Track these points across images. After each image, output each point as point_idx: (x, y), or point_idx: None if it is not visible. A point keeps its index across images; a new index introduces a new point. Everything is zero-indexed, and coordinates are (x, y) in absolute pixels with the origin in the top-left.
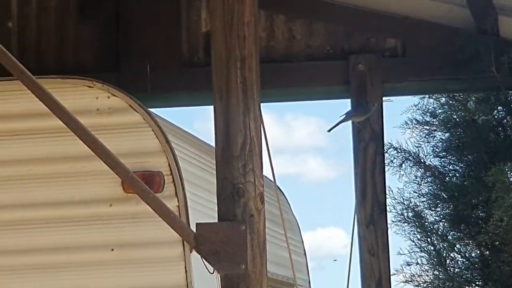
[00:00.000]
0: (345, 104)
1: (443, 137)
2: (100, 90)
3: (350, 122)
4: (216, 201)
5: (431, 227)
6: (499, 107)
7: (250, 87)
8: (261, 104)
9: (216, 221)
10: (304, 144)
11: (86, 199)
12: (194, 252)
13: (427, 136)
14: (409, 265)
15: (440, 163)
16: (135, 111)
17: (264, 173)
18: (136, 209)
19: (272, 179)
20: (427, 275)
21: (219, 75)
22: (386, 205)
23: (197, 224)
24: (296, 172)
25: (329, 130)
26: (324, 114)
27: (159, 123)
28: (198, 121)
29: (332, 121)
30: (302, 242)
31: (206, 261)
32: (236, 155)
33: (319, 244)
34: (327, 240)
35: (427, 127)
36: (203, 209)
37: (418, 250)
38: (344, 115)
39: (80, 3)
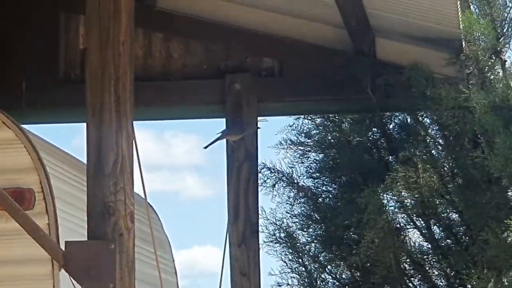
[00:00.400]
0: (223, 123)
1: (317, 158)
2: None
3: (225, 141)
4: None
5: (303, 248)
6: (374, 129)
7: (124, 105)
8: (140, 121)
9: (86, 239)
10: (182, 161)
11: None
12: (63, 270)
13: (301, 157)
14: (280, 286)
15: (313, 184)
16: (7, 127)
17: (136, 191)
18: (5, 226)
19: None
20: None
21: (93, 92)
22: (258, 225)
23: (66, 242)
24: (174, 190)
25: (205, 147)
26: (203, 132)
27: (31, 140)
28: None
29: (210, 139)
30: (173, 260)
31: (74, 279)
32: (108, 173)
33: (195, 262)
34: (203, 258)
35: (302, 148)
36: (75, 227)
37: (289, 270)
38: (220, 133)
39: None
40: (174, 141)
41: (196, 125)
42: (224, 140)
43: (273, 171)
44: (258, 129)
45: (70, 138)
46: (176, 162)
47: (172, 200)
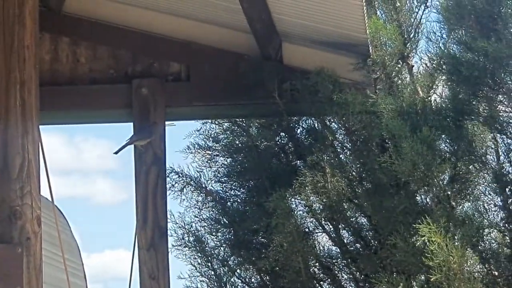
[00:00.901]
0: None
1: (225, 163)
2: None
3: (133, 146)
4: None
5: (212, 251)
6: (281, 133)
7: (29, 109)
8: (49, 126)
9: None
10: (93, 166)
11: None
12: None
13: (209, 161)
14: None
15: (221, 188)
16: None
17: (44, 194)
18: None
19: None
20: None
21: None
22: (167, 229)
23: None
24: (84, 194)
25: (115, 153)
26: (113, 137)
27: None
28: None
29: (120, 144)
30: (82, 264)
31: None
32: (14, 177)
33: (107, 266)
34: (116, 262)
35: (209, 152)
36: None
37: (198, 274)
38: (129, 139)
39: None
40: (85, 145)
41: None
42: (132, 145)
43: (181, 175)
44: (165, 133)
45: None
46: (87, 166)
47: (84, 205)
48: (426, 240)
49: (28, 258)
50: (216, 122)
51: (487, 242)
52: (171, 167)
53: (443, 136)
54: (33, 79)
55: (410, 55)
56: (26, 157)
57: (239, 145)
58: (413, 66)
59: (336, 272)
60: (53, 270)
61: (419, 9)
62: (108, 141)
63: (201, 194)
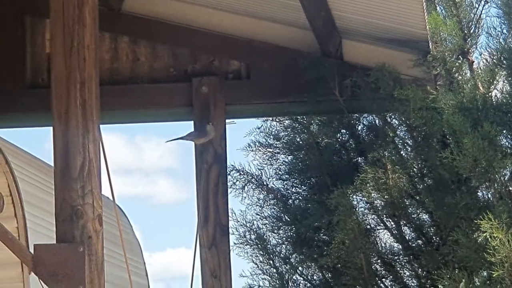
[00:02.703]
0: (192, 126)
1: (286, 160)
2: None
3: (193, 144)
4: None
5: (274, 249)
6: (342, 130)
7: (90, 109)
8: (111, 125)
9: (55, 242)
10: (154, 165)
11: None
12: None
13: (270, 159)
14: (251, 287)
15: (282, 186)
16: None
17: (105, 194)
18: None
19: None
20: None
21: (58, 97)
22: (228, 227)
23: (35, 246)
24: (146, 193)
25: (169, 141)
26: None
27: None
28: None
29: (182, 143)
30: (144, 263)
31: (44, 282)
32: (75, 176)
33: (169, 265)
34: (177, 261)
35: (270, 150)
36: (43, 230)
37: (260, 272)
38: (187, 135)
39: None
40: (146, 145)
41: (167, 129)
42: (193, 143)
43: (242, 173)
44: (226, 131)
45: (42, 141)
46: (148, 166)
47: (145, 204)
48: (488, 236)
49: (90, 257)
50: (277, 120)
51: None
52: (232, 165)
53: (504, 131)
54: (93, 78)
55: (470, 50)
56: (87, 156)
57: (300, 142)
58: (473, 61)
59: (398, 268)
60: (115, 269)
61: (479, 4)
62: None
63: (263, 192)
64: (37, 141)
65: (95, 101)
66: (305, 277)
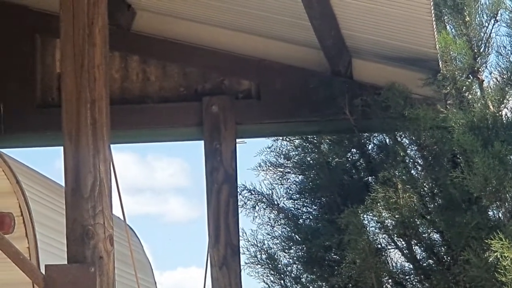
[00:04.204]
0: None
1: (297, 180)
2: None
3: (204, 163)
4: None
5: (285, 269)
6: (352, 150)
7: (100, 128)
8: (121, 145)
9: (66, 262)
10: (165, 184)
11: None
12: None
13: (280, 178)
14: None
15: (293, 205)
16: None
17: (116, 213)
18: None
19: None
20: None
21: (69, 116)
22: (239, 247)
23: (46, 266)
24: (157, 212)
25: None
26: (186, 155)
27: (9, 164)
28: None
29: (194, 162)
30: (155, 283)
31: None
32: (86, 196)
33: (180, 284)
34: (188, 280)
35: (281, 169)
36: (54, 250)
37: None
38: None
39: None
40: (157, 164)
41: (179, 148)
42: (204, 163)
43: (253, 193)
44: (237, 150)
45: (52, 160)
46: (159, 185)
47: (156, 223)
48: (499, 256)
49: (101, 277)
50: (287, 139)
51: None
52: (243, 185)
53: None
54: (104, 98)
55: (480, 69)
56: (98, 176)
57: (311, 161)
58: (483, 80)
59: None
60: None
61: (488, 23)
62: (180, 160)
63: (273, 211)
64: (47, 160)
65: (106, 120)
66: None
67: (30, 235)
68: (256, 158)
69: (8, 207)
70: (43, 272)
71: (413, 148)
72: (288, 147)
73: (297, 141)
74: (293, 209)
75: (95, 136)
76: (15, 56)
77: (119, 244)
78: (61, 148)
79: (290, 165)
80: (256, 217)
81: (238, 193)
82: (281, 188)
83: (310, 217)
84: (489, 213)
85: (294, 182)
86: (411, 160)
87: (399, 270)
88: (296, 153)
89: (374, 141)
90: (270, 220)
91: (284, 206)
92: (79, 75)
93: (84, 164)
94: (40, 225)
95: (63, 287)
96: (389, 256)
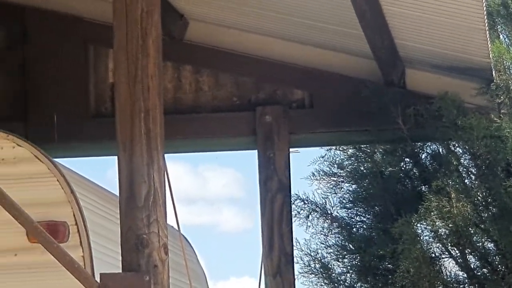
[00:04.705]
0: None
1: (350, 189)
2: (4, 140)
3: (257, 172)
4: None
5: (338, 278)
6: (406, 159)
7: (154, 138)
8: (174, 155)
9: (121, 271)
10: (218, 194)
11: None
12: None
13: (334, 188)
14: None
15: (347, 215)
16: (40, 161)
17: (170, 223)
18: (41, 259)
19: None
20: None
21: (123, 126)
22: (293, 256)
23: (101, 274)
24: (210, 222)
25: None
26: (238, 165)
27: (64, 173)
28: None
29: (246, 172)
30: None
31: None
32: (140, 205)
33: None
34: None
35: (334, 179)
36: (108, 259)
37: None
38: None
39: None
40: (210, 174)
41: (232, 158)
42: (257, 172)
43: (306, 202)
44: (290, 160)
45: (105, 169)
46: (213, 195)
47: (209, 233)
48: None
49: (156, 286)
50: (341, 149)
51: None
52: (296, 194)
53: None
54: (158, 107)
55: None
56: (152, 185)
57: (364, 171)
58: None
59: None
60: None
61: None
62: (232, 170)
63: (327, 221)
64: (99, 169)
65: (160, 130)
66: None
67: (84, 244)
68: (309, 167)
69: (62, 216)
70: (98, 281)
71: (467, 157)
72: (342, 157)
73: (350, 150)
74: (346, 218)
75: (149, 145)
76: (68, 66)
77: (174, 253)
78: (114, 157)
79: (344, 174)
80: (309, 226)
81: (292, 203)
82: (335, 197)
83: (364, 226)
84: None
85: (348, 191)
86: (465, 169)
87: (453, 279)
88: (350, 162)
89: (428, 150)
90: (323, 229)
91: (338, 215)
92: (133, 85)
93: (138, 173)
94: (94, 234)
95: None
96: (443, 265)
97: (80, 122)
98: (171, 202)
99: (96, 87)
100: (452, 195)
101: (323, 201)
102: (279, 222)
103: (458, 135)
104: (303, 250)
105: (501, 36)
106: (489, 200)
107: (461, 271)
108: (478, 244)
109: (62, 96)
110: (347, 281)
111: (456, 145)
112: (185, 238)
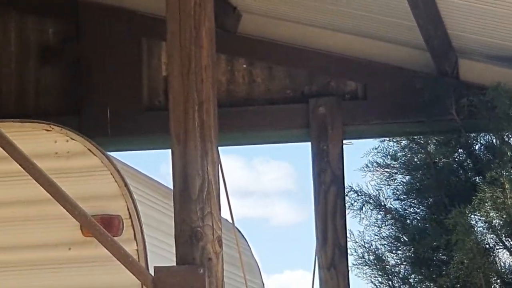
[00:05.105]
0: (309, 147)
1: (404, 180)
2: (58, 133)
3: (311, 165)
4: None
5: (392, 270)
6: (459, 150)
7: (208, 130)
8: (227, 148)
9: (175, 264)
10: (272, 187)
11: (45, 243)
12: None
13: (387, 179)
14: None
15: (400, 206)
16: (93, 154)
17: (224, 216)
18: (95, 252)
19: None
20: None
21: (176, 119)
22: (347, 248)
23: (155, 268)
24: (264, 215)
25: None
26: (292, 159)
27: (117, 167)
28: (165, 163)
29: (299, 165)
30: (263, 285)
31: None
32: (194, 198)
33: (286, 286)
34: (295, 282)
35: (388, 170)
36: (163, 252)
37: None
38: None
39: (41, 48)
40: (263, 167)
41: (285, 151)
42: (311, 164)
43: (360, 194)
44: (343, 151)
45: (158, 163)
46: (266, 188)
47: (263, 226)
48: None
49: (210, 279)
50: (394, 140)
51: None
52: (349, 186)
53: None
54: (211, 99)
55: None
56: (206, 178)
57: (418, 162)
58: None
59: None
60: None
61: None
62: (286, 163)
63: (380, 212)
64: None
65: (213, 122)
66: None
67: (138, 238)
68: (362, 159)
69: (116, 210)
70: (152, 274)
71: None
72: (395, 148)
73: (403, 141)
74: (400, 209)
75: (203, 138)
76: (121, 60)
77: (228, 246)
78: (167, 152)
79: (397, 165)
80: (363, 218)
81: (345, 195)
82: (388, 189)
83: (417, 217)
84: None
85: (401, 182)
86: None
87: (507, 270)
88: (403, 153)
89: (481, 141)
90: (377, 221)
91: (391, 207)
92: (186, 77)
93: (192, 166)
94: (148, 227)
95: None
96: (497, 256)
97: (133, 115)
98: (225, 195)
99: (149, 80)
100: (506, 186)
101: (377, 192)
102: (332, 214)
103: (511, 126)
104: (357, 242)
105: None
106: None
107: None
108: None
109: (115, 90)
110: (401, 272)
111: (510, 136)
112: (239, 231)
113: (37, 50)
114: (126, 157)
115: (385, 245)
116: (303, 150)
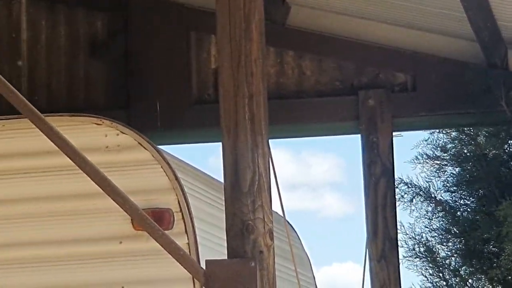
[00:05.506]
0: (359, 139)
1: (454, 172)
2: (109, 127)
3: (361, 157)
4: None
5: (443, 262)
6: (509, 141)
7: (258, 123)
8: (276, 141)
9: (226, 257)
10: (321, 180)
11: (96, 237)
12: None
13: (437, 171)
14: None
15: (451, 198)
16: (144, 148)
17: (274, 209)
18: (146, 246)
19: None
20: None
21: (227, 111)
22: (397, 240)
23: (207, 261)
24: (313, 208)
25: None
26: (341, 151)
27: (168, 160)
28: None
29: (348, 157)
30: (314, 277)
31: None
32: (245, 191)
33: (336, 279)
34: (344, 275)
35: (438, 162)
36: (213, 245)
37: (430, 285)
38: None
39: (90, 42)
40: (312, 160)
41: (334, 144)
42: (361, 156)
43: (410, 186)
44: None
45: (206, 157)
46: (315, 180)
47: (312, 218)
48: None
49: (262, 272)
50: (444, 132)
51: None
52: (399, 178)
53: None
54: (262, 92)
55: None
56: (257, 171)
57: (468, 154)
58: None
59: None
60: (287, 284)
61: None
62: (334, 155)
63: (431, 204)
64: (201, 156)
65: (264, 114)
66: None
67: (189, 231)
68: (412, 151)
69: (167, 204)
70: (204, 267)
71: None
72: (445, 140)
73: (453, 133)
74: (450, 201)
75: (253, 130)
76: (170, 54)
77: (279, 239)
78: (215, 145)
79: (447, 157)
80: (413, 210)
81: (396, 187)
82: (438, 180)
83: (468, 209)
84: None
85: (451, 174)
86: None
87: None
88: (453, 145)
89: None
90: (427, 213)
91: (442, 198)
92: (236, 70)
93: (242, 159)
94: (199, 221)
95: (224, 282)
96: None
97: (182, 109)
98: (275, 187)
99: (198, 73)
100: None
101: (427, 184)
102: (383, 207)
103: None
104: (407, 234)
105: None
106: None
107: None
108: None
109: (164, 84)
110: (452, 264)
111: None
112: (289, 224)
113: (86, 44)
114: (175, 150)
115: (436, 237)
116: (351, 142)
